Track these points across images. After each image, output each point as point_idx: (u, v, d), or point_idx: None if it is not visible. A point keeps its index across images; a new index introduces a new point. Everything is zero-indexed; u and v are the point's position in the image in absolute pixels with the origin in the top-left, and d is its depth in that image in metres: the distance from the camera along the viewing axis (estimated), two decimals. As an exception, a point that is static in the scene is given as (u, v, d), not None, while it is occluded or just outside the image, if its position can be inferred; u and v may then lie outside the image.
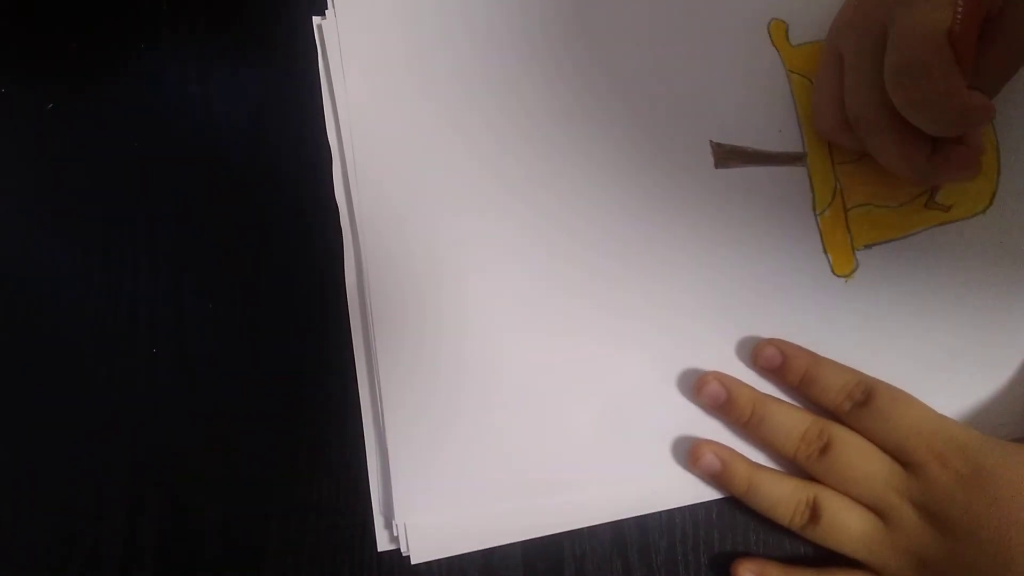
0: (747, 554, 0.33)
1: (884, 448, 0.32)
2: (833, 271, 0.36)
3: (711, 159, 0.36)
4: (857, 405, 0.32)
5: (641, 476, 0.34)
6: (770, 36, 0.38)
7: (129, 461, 0.34)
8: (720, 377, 0.34)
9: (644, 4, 0.38)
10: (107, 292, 0.35)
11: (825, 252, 0.36)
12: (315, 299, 0.35)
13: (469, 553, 0.33)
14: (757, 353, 0.34)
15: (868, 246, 0.36)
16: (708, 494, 0.34)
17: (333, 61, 0.36)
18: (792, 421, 0.33)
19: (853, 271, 0.36)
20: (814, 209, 0.36)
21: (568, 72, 0.37)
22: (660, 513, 0.34)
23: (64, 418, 0.34)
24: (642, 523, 0.34)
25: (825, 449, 0.32)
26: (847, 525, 0.31)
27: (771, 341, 0.34)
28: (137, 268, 0.35)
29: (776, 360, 0.34)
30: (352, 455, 0.34)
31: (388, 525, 0.33)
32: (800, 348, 0.34)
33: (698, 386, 0.34)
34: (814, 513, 0.32)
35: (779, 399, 0.34)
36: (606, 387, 0.34)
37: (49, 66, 0.37)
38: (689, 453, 0.33)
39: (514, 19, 0.37)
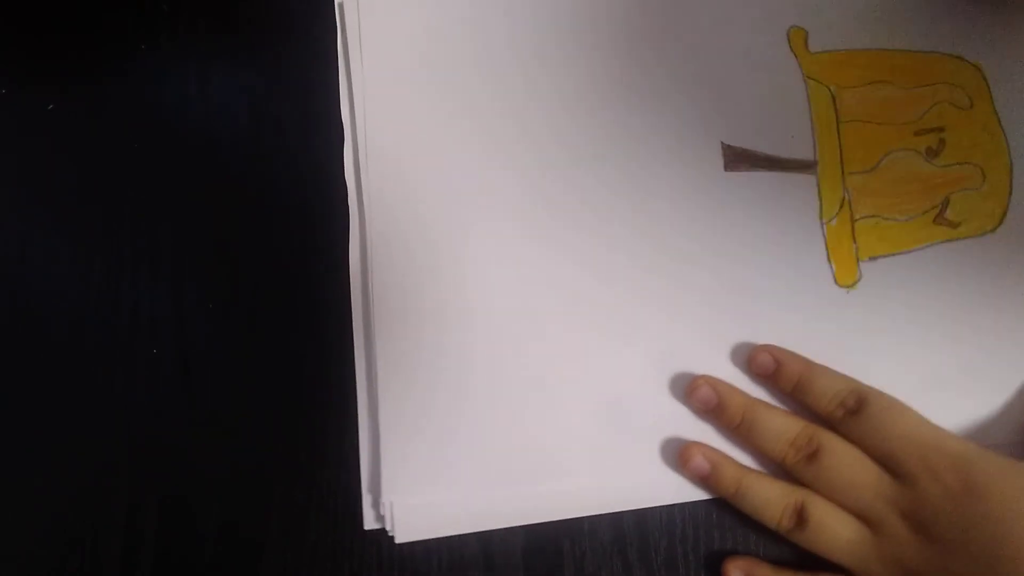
0: (737, 553, 0.33)
1: (875, 457, 0.31)
2: (836, 281, 0.36)
3: (721, 160, 0.36)
4: (849, 413, 0.32)
5: (636, 470, 0.34)
6: (789, 42, 0.38)
7: (129, 461, 0.34)
8: (711, 381, 0.34)
9: (664, 5, 0.38)
10: (107, 292, 0.35)
11: (829, 261, 0.36)
12: (317, 300, 0.35)
13: (469, 552, 0.33)
14: (751, 358, 0.34)
15: (873, 258, 0.36)
16: (702, 492, 0.34)
17: (352, 41, 0.36)
18: (782, 426, 0.33)
19: (856, 282, 0.36)
20: (821, 217, 0.36)
21: (586, 68, 0.37)
22: (660, 513, 0.34)
23: (64, 418, 0.34)
24: (642, 523, 0.34)
25: (814, 456, 0.32)
26: (834, 531, 0.31)
27: (765, 347, 0.34)
28: (137, 268, 0.35)
29: (770, 366, 0.34)
30: (352, 453, 0.34)
31: (375, 504, 0.33)
32: (794, 355, 0.34)
33: (690, 389, 0.34)
34: (801, 518, 0.32)
35: (770, 404, 0.34)
36: (603, 382, 0.34)
37: (49, 66, 0.37)
38: (679, 455, 0.33)
39: (535, 12, 0.37)
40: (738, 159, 0.36)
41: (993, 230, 0.36)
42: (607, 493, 0.34)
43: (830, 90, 0.37)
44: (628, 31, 0.37)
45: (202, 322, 0.35)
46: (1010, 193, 0.37)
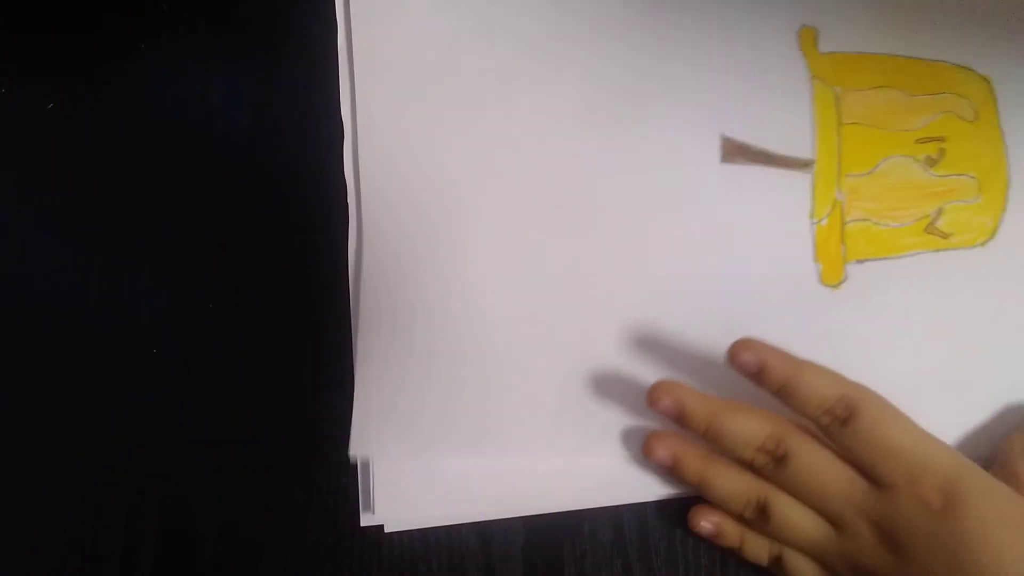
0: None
1: (856, 464, 0.31)
2: (821, 280, 0.36)
3: (719, 152, 0.36)
4: (837, 422, 0.30)
5: (618, 463, 0.34)
6: (799, 41, 0.38)
7: (129, 460, 0.34)
8: (671, 391, 0.32)
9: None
10: (107, 292, 0.35)
11: (816, 260, 0.36)
12: (317, 299, 0.35)
13: (469, 552, 0.33)
14: (733, 355, 0.32)
15: (860, 261, 0.36)
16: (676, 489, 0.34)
17: (352, 40, 0.36)
18: (749, 432, 0.32)
19: (841, 283, 0.35)
20: (811, 216, 0.36)
21: (588, 60, 0.37)
22: (660, 513, 0.34)
23: (64, 418, 0.34)
24: (642, 523, 0.34)
25: (782, 460, 0.31)
26: (796, 528, 0.31)
27: (748, 344, 0.31)
28: (137, 268, 0.35)
29: (752, 367, 0.31)
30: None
31: (366, 500, 0.33)
32: (779, 353, 0.31)
33: (650, 400, 0.32)
34: (763, 513, 0.31)
35: (735, 406, 0.32)
36: (586, 372, 0.34)
37: (49, 66, 0.37)
38: (643, 445, 0.33)
39: (536, 6, 0.37)
40: (735, 152, 0.36)
41: (983, 244, 0.36)
42: (594, 486, 0.34)
43: (835, 91, 0.37)
44: (635, 22, 0.37)
45: (202, 322, 0.35)
46: (1004, 209, 0.36)
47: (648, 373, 0.34)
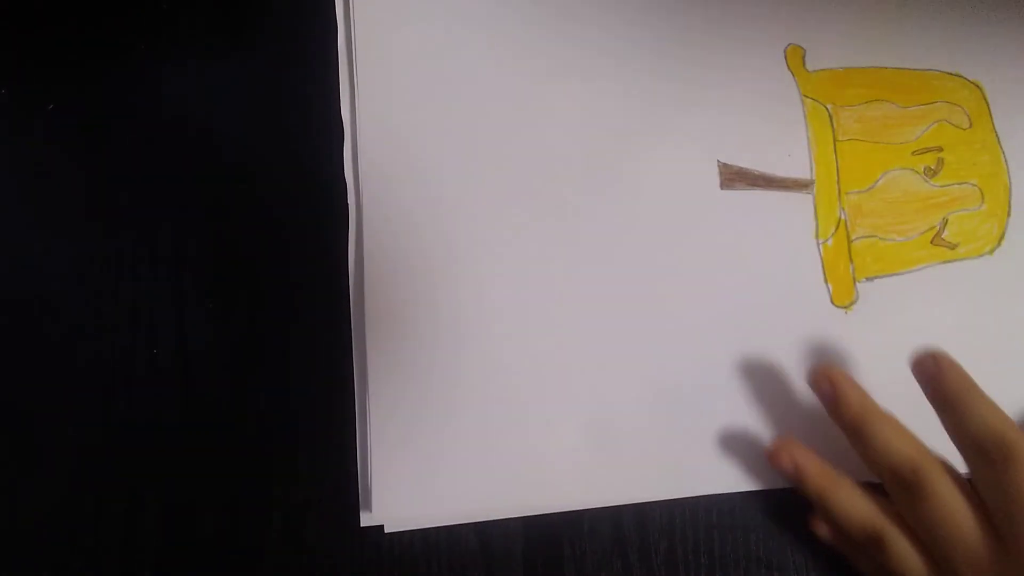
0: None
1: (991, 512, 0.29)
2: (832, 301, 0.35)
3: (717, 179, 0.36)
4: (985, 460, 0.29)
5: (623, 486, 0.33)
6: (786, 61, 0.37)
7: (129, 461, 0.34)
8: (834, 373, 0.32)
9: (662, 23, 0.38)
10: (107, 292, 0.35)
11: (825, 281, 0.35)
12: (317, 299, 0.35)
13: (469, 552, 0.33)
14: (918, 362, 0.31)
15: (870, 279, 0.36)
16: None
17: (352, 40, 0.36)
18: (894, 444, 0.30)
19: (853, 303, 0.35)
20: (817, 237, 0.36)
21: (584, 81, 0.37)
22: (660, 514, 0.34)
23: (64, 418, 0.34)
24: (642, 524, 0.34)
25: (914, 490, 0.29)
26: (909, 570, 0.30)
27: (933, 352, 0.30)
28: (137, 268, 0.35)
29: (931, 372, 0.30)
30: (352, 454, 0.34)
31: (367, 499, 0.33)
32: (959, 372, 0.30)
33: (812, 379, 0.32)
34: (878, 546, 0.30)
35: (889, 415, 0.31)
36: (594, 397, 0.34)
37: (49, 66, 0.37)
38: (768, 450, 0.32)
39: (535, 17, 0.37)
40: (734, 178, 0.36)
41: (991, 252, 0.36)
42: (594, 486, 0.33)
43: (827, 109, 0.37)
44: (626, 47, 0.37)
45: (202, 322, 0.35)
46: (1008, 214, 0.36)
47: (661, 403, 0.34)
